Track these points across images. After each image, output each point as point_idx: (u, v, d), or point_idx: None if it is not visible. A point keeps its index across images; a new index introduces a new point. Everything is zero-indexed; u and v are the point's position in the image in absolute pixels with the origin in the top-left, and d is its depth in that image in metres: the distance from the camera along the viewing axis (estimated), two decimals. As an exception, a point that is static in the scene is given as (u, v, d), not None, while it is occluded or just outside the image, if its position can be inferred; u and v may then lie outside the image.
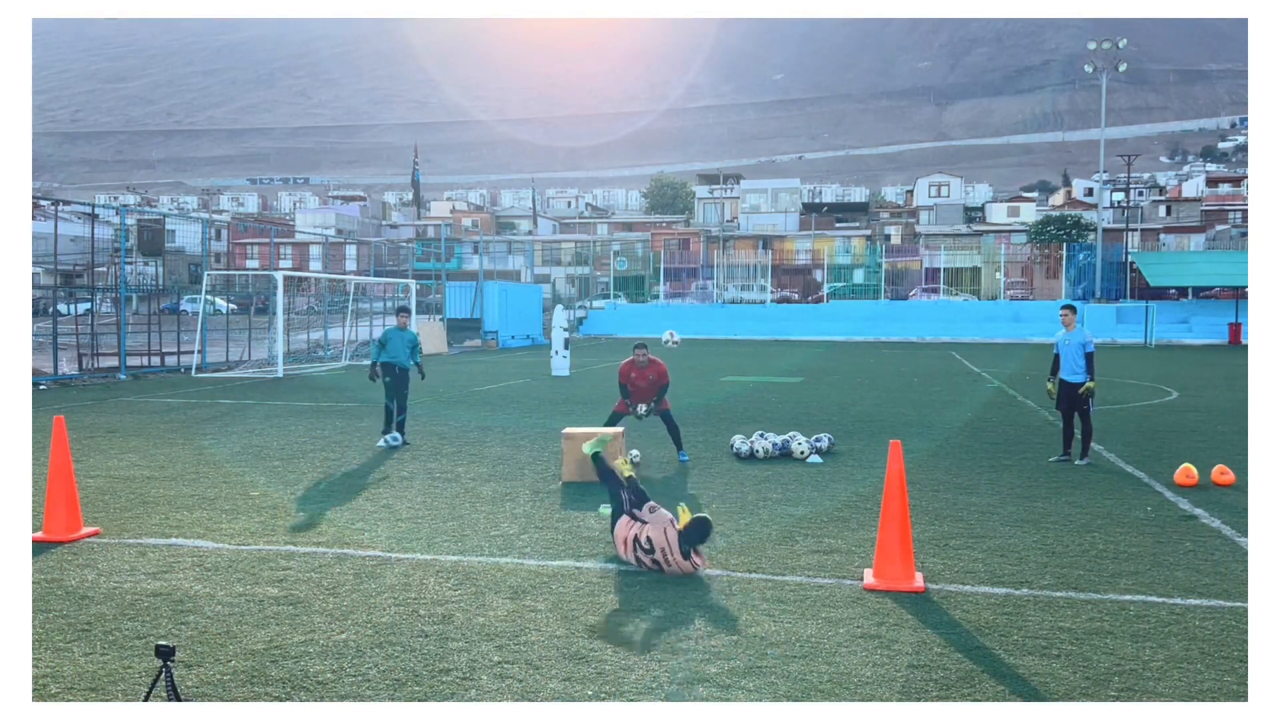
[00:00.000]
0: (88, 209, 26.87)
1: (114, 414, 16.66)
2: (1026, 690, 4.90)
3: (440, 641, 5.56)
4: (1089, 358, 11.54)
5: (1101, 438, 13.83)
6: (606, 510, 7.80)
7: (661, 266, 62.83)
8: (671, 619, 5.93)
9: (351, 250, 71.22)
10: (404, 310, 13.69)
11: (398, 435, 13.04)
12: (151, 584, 6.63)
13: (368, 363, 13.07)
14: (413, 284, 34.48)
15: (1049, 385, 11.94)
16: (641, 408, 11.65)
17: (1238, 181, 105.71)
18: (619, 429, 10.98)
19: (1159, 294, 56.01)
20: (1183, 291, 57.97)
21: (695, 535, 6.87)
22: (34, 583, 6.63)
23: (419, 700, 4.77)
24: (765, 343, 46.69)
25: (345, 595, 6.41)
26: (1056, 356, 11.87)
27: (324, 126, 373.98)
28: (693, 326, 54.18)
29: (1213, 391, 21.73)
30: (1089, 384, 11.53)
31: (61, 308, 31.42)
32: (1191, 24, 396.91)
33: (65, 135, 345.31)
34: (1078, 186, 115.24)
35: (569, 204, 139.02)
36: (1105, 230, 65.97)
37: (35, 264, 52.12)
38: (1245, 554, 7.53)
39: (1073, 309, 11.91)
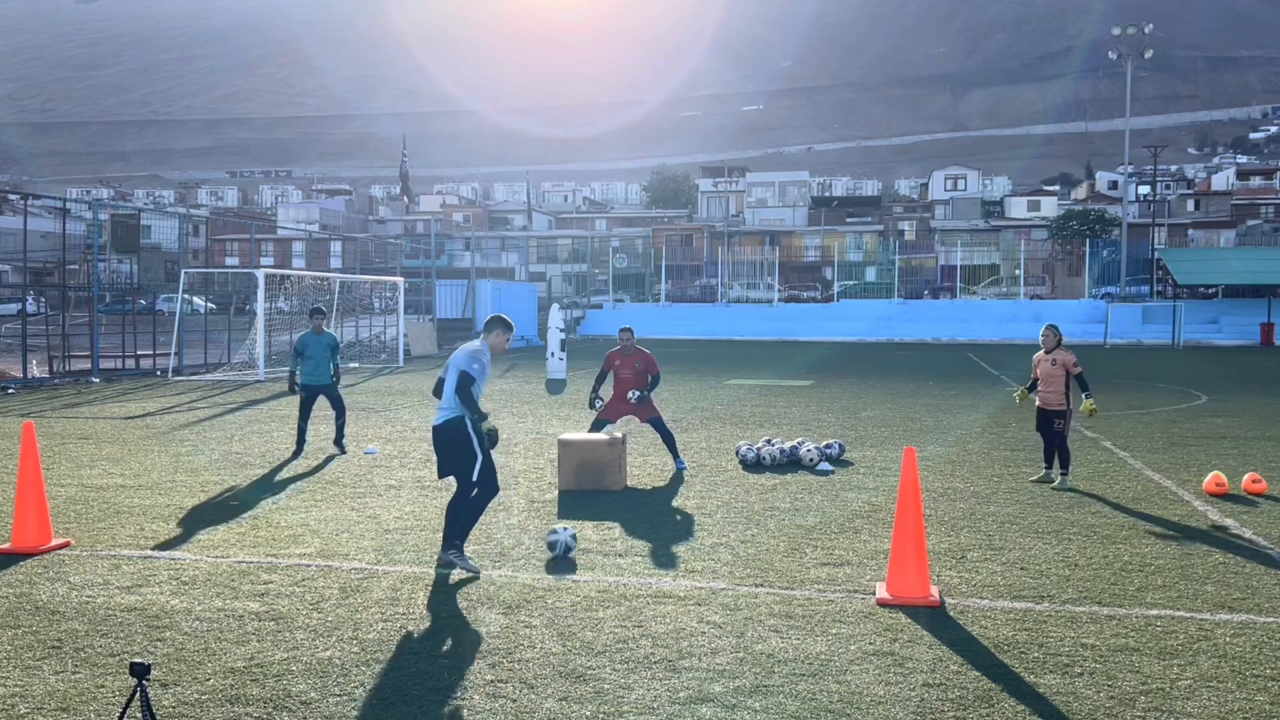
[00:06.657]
0: (59, 203, 26.95)
1: (86, 419, 16.68)
2: (1048, 710, 4.90)
3: (430, 659, 5.57)
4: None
5: (1127, 444, 13.85)
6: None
7: (663, 264, 62.67)
8: (674, 635, 5.94)
9: (336, 247, 71.32)
10: (319, 312, 13.50)
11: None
12: (126, 598, 6.63)
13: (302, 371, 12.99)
14: (401, 282, 34.50)
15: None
16: (632, 394, 11.59)
17: (1270, 174, 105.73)
18: (617, 434, 10.97)
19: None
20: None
21: None
22: (1, 597, 6.64)
23: (408, 721, 4.78)
24: (772, 344, 46.68)
25: (330, 610, 6.41)
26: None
27: (307, 116, 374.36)
28: (696, 327, 54.13)
29: (1244, 395, 21.72)
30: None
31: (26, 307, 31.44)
32: (1221, 8, 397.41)
33: (35, 126, 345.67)
34: (1101, 179, 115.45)
35: (565, 198, 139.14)
36: (1130, 225, 65.93)
37: (3, 261, 52.27)
38: (1279, 566, 7.54)
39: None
